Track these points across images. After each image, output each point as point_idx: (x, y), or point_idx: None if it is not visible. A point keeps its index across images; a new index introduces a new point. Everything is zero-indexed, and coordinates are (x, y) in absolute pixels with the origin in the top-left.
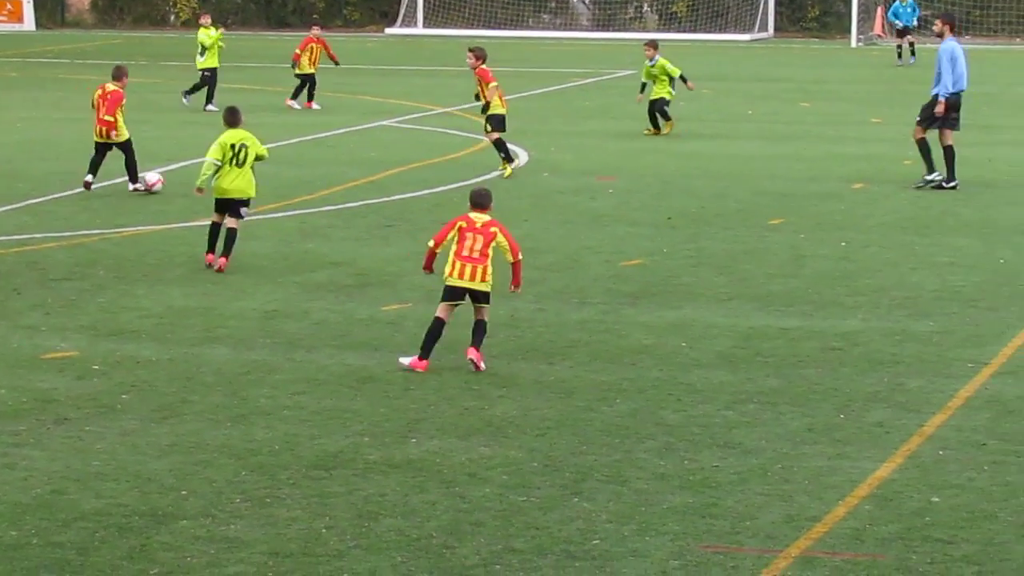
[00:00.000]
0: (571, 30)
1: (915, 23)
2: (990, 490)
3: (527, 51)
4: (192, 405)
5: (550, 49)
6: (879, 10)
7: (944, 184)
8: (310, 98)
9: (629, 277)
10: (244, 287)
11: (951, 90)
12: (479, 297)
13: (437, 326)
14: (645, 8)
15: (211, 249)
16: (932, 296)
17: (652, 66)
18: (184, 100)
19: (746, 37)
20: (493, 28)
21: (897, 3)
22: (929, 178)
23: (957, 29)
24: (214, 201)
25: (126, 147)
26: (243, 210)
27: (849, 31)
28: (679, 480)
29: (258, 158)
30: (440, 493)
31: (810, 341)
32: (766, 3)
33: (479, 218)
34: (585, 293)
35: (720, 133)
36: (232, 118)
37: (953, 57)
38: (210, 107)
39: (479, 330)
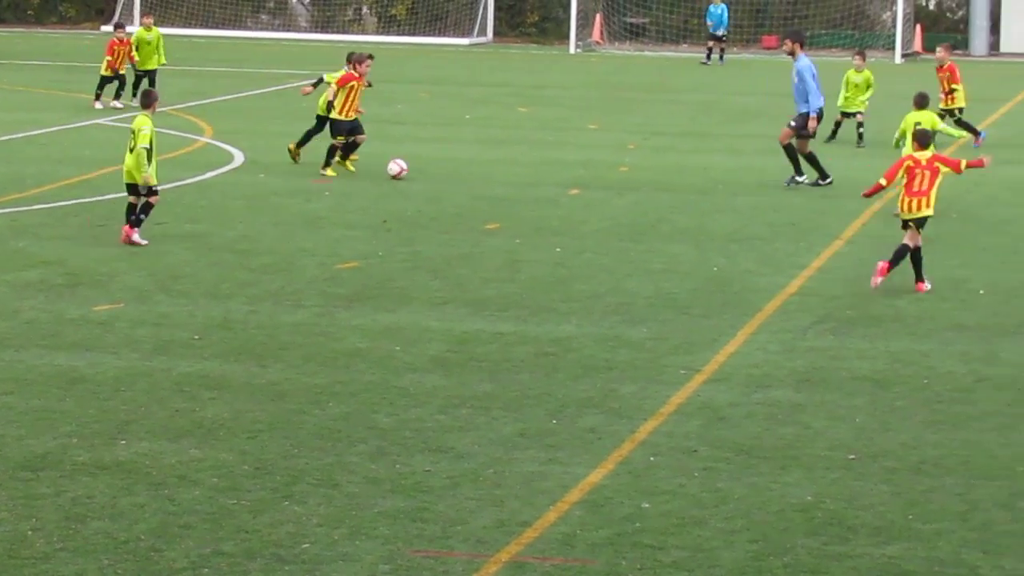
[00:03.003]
0: (290, 31)
1: (723, 31)
2: (700, 496)
3: (245, 51)
4: None
5: (269, 50)
6: (598, 17)
7: (795, 181)
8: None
9: (344, 280)
10: None
11: (819, 105)
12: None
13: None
14: (365, 10)
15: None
16: (646, 303)
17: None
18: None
19: (465, 41)
20: (211, 27)
21: (712, 6)
22: (799, 180)
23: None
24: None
25: None
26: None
27: (568, 37)
28: (391, 484)
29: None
30: (149, 495)
31: (524, 346)
32: (485, 8)
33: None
34: (300, 295)
35: (438, 137)
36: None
37: (813, 73)
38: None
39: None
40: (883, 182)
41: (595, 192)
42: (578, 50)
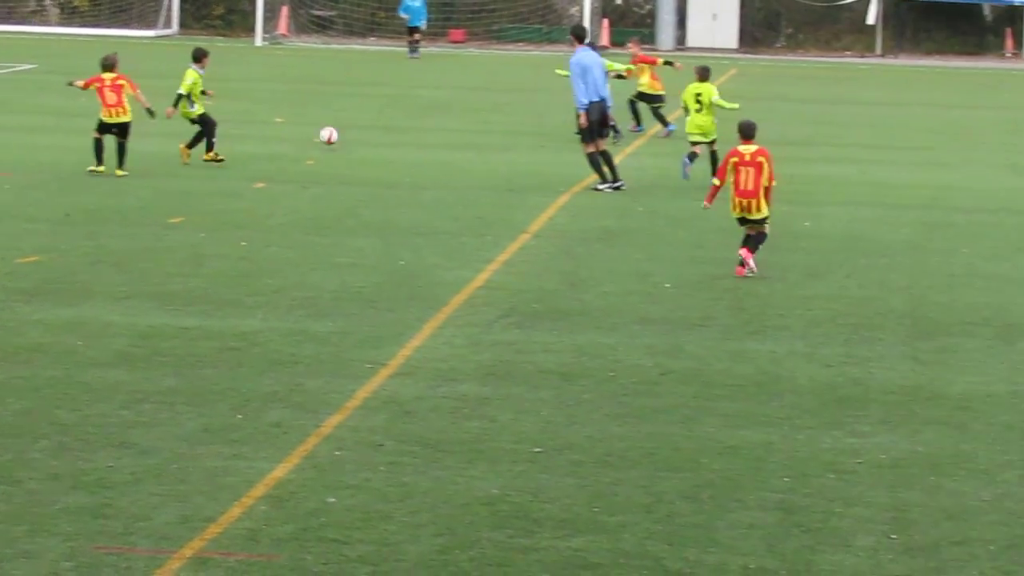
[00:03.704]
0: None
1: (423, 23)
2: (386, 491)
3: None
4: None
5: None
6: (284, 9)
7: (599, 187)
8: None
9: (25, 274)
10: None
11: (584, 101)
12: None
13: None
14: (47, 1)
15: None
16: (332, 297)
17: None
18: None
19: (151, 33)
20: None
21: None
22: (621, 186)
23: (585, 39)
24: None
25: None
26: None
27: (255, 30)
28: (72, 480)
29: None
30: None
31: (209, 341)
32: (171, 0)
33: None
34: None
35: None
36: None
37: (584, 68)
38: None
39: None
40: (716, 182)
41: (281, 185)
42: (265, 43)
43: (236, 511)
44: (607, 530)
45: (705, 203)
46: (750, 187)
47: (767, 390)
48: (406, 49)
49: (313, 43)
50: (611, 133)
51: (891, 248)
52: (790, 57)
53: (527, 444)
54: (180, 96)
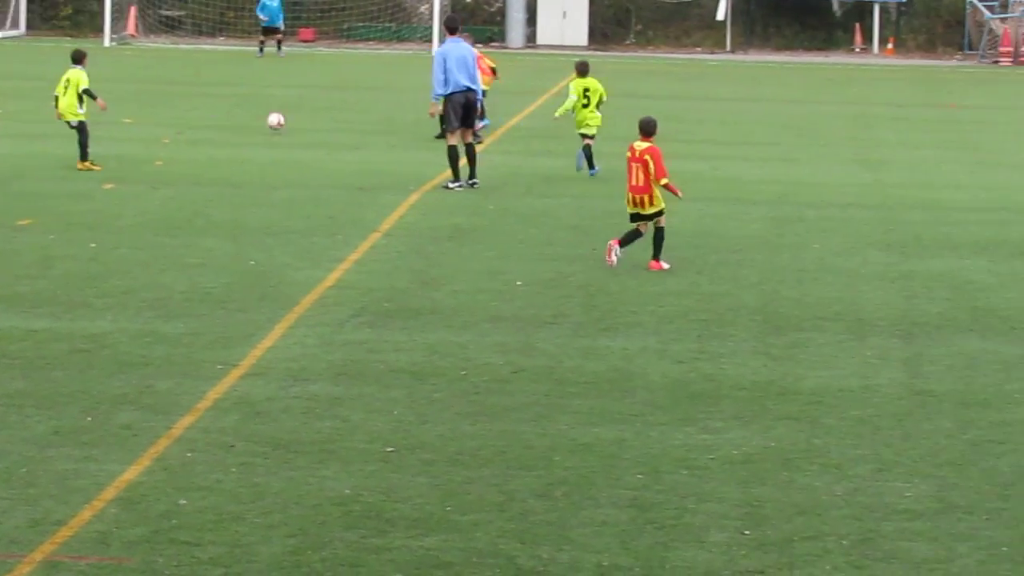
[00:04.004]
0: None
1: (281, 23)
2: (237, 492)
3: None
4: None
5: None
6: (132, 9)
7: (450, 185)
8: None
9: None
10: None
11: (438, 92)
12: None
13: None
14: None
15: None
16: (182, 297)
17: None
18: None
19: None
20: None
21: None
22: (457, 188)
23: (456, 31)
24: None
25: None
26: None
27: (103, 30)
28: None
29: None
30: None
31: (58, 343)
32: (18, 0)
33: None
34: None
35: None
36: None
37: (443, 59)
38: None
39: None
40: None
41: (130, 186)
42: (113, 43)
43: (87, 514)
44: (460, 529)
45: None
46: (640, 183)
47: (619, 387)
48: (255, 49)
49: (162, 43)
50: (479, 126)
51: (742, 244)
52: (640, 54)
53: (379, 444)
54: (89, 92)
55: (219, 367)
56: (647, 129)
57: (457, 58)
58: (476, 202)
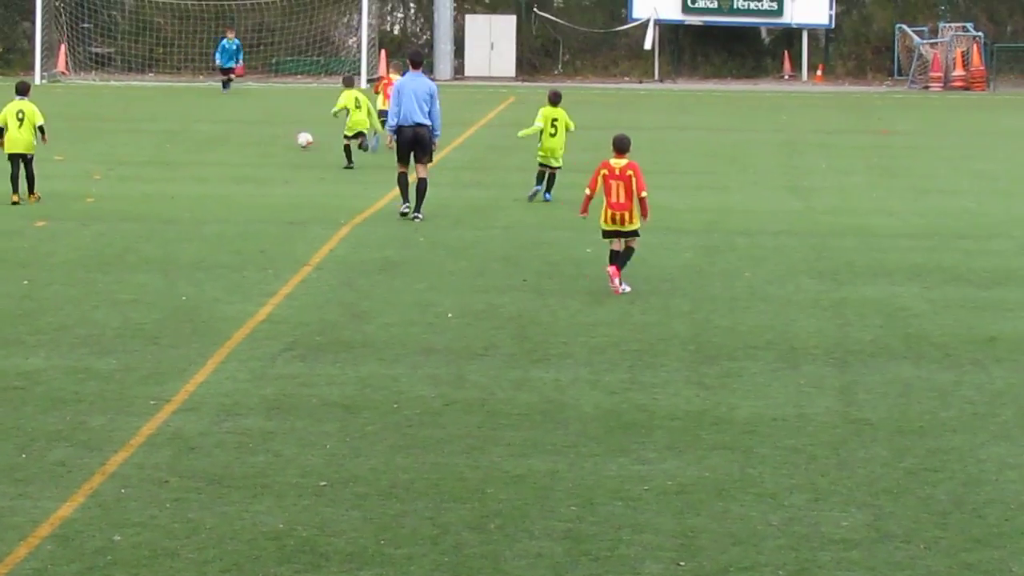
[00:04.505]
0: None
1: (238, 63)
2: (172, 527)
3: None
4: None
5: None
6: (62, 47)
7: (408, 213)
8: None
9: None
10: None
11: (390, 125)
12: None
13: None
14: None
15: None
16: (115, 333)
17: None
18: None
19: None
20: None
21: (224, 40)
22: (403, 210)
23: (405, 67)
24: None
25: None
26: None
27: (33, 68)
28: None
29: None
30: None
31: None
32: None
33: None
34: None
35: None
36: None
37: (397, 92)
38: None
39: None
40: (588, 192)
41: (62, 223)
42: (43, 80)
43: (22, 551)
44: (394, 562)
45: (581, 213)
46: (622, 200)
47: (552, 418)
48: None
49: (92, 80)
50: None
51: (673, 273)
52: (568, 84)
53: (312, 478)
54: (43, 128)
55: (152, 402)
56: (622, 146)
57: (413, 92)
58: (406, 234)
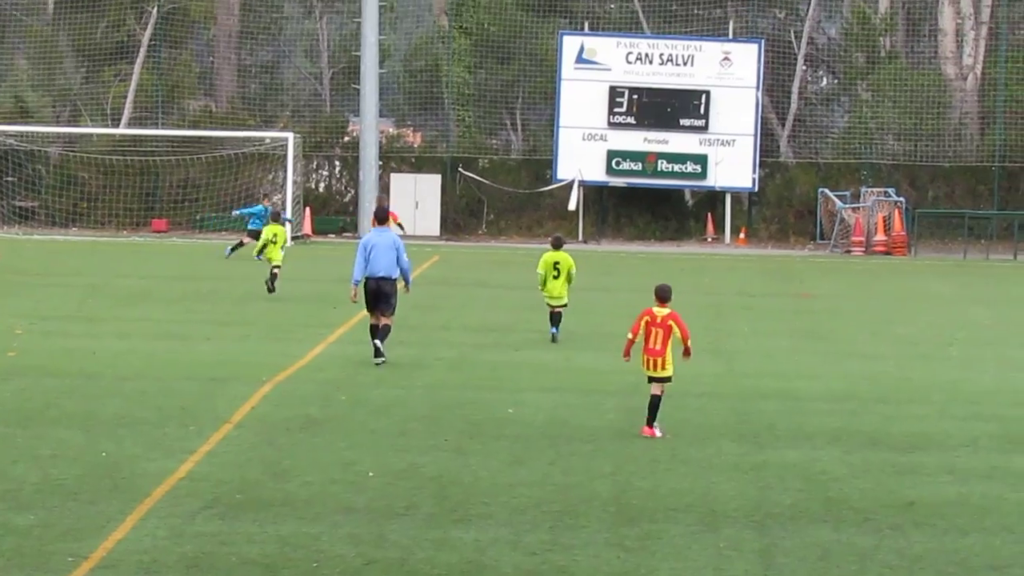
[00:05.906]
0: None
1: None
2: None
3: None
4: None
5: None
6: None
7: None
8: None
9: None
10: None
11: (355, 278)
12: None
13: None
14: None
15: None
16: (33, 489)
17: None
18: None
19: None
20: None
21: (261, 206)
22: (376, 361)
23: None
24: None
25: None
26: None
27: None
28: None
29: None
30: None
31: None
32: None
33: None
34: None
35: None
36: None
37: (363, 247)
38: None
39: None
40: (630, 336)
41: None
42: None
43: None
44: None
45: (624, 357)
46: (658, 347)
47: None
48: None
49: (15, 234)
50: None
51: (596, 434)
52: (492, 244)
53: None
54: None
55: (70, 559)
56: (663, 295)
57: (382, 246)
58: (328, 392)
